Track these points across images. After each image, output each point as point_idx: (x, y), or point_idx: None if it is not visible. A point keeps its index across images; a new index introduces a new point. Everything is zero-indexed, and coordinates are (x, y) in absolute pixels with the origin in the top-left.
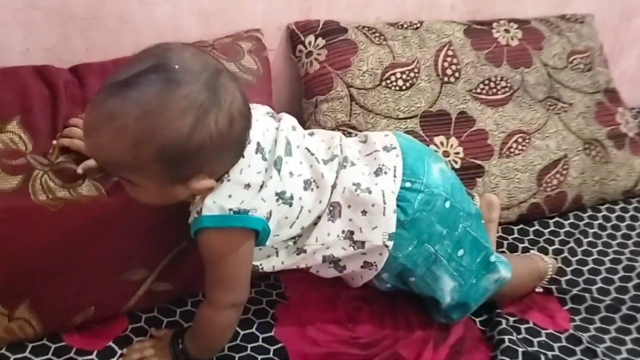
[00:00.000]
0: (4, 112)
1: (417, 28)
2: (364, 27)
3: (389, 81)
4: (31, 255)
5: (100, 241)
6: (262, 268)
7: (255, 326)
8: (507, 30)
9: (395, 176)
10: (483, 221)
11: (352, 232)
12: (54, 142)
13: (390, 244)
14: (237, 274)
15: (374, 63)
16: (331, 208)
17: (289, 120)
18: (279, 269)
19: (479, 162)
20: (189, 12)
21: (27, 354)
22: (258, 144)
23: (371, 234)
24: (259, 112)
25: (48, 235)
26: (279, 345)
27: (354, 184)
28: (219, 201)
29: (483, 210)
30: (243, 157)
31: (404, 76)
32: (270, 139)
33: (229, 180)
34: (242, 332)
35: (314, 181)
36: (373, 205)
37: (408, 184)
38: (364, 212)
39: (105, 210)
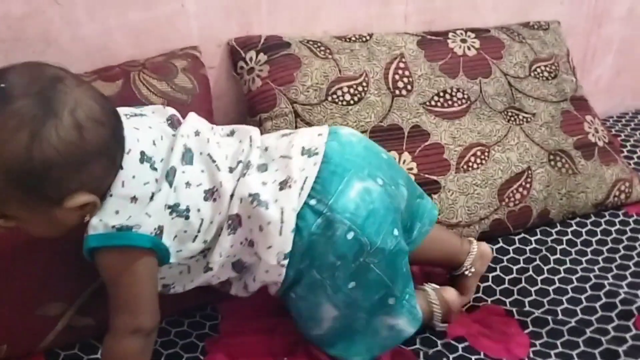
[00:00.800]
0: None
1: (366, 41)
2: (308, 41)
3: (335, 96)
4: None
5: (13, 275)
6: (174, 288)
7: None
8: (463, 40)
9: (302, 189)
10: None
11: (252, 243)
12: None
13: (285, 262)
14: (136, 295)
15: (319, 78)
16: (230, 221)
17: (192, 124)
18: (191, 288)
19: (434, 177)
20: (119, 30)
21: None
22: (142, 152)
23: (266, 253)
24: (154, 120)
25: None
26: None
27: (250, 195)
28: (104, 219)
29: (476, 261)
30: (122, 168)
31: (352, 90)
32: (165, 147)
33: (111, 195)
34: None
35: (216, 191)
36: (269, 224)
37: (313, 202)
38: (261, 228)
39: (19, 241)
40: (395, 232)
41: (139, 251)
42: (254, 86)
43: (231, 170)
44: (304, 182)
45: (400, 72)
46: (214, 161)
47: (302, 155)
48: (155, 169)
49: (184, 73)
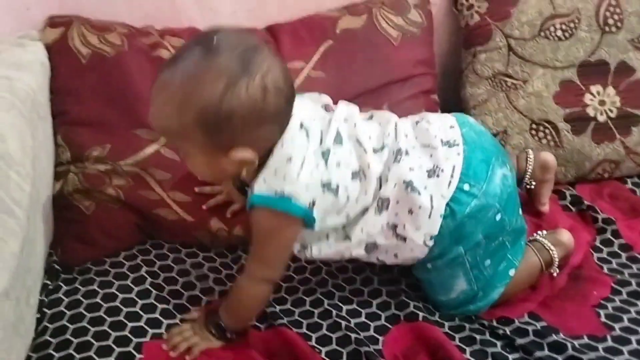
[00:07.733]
0: None
1: None
2: None
3: (548, 32)
4: None
5: None
6: (311, 251)
7: None
8: None
9: (452, 176)
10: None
11: (395, 226)
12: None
13: (431, 243)
14: (277, 254)
15: (534, 14)
16: (379, 203)
17: (342, 111)
18: (324, 256)
19: (636, 111)
20: None
21: None
22: (302, 122)
23: (414, 233)
24: (312, 104)
25: None
26: None
27: (405, 182)
28: (268, 179)
29: (536, 171)
30: (284, 132)
31: (563, 26)
32: (318, 126)
33: (272, 155)
34: None
35: (362, 171)
36: (420, 207)
37: (467, 187)
38: (410, 212)
39: None
40: (520, 211)
41: (292, 218)
42: (472, 21)
43: (375, 151)
44: (453, 170)
45: (611, 9)
46: (361, 144)
47: (443, 146)
48: (308, 140)
49: (415, 9)
